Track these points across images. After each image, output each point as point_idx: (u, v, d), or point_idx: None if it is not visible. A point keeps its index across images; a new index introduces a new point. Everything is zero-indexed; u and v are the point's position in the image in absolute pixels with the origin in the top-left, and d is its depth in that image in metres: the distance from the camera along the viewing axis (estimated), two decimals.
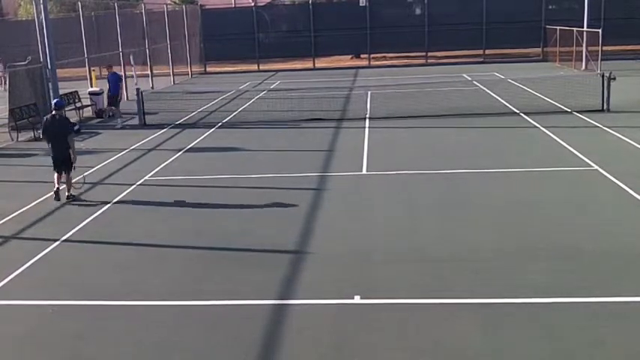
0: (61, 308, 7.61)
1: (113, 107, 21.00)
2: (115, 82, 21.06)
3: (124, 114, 21.58)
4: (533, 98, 21.26)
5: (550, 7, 36.79)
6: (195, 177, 13.41)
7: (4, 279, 8.45)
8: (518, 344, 6.31)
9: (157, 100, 23.50)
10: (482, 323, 6.74)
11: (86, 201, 12.01)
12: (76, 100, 22.22)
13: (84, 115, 22.12)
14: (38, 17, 19.97)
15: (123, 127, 19.88)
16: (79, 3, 25.50)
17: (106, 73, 21.92)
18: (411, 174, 12.77)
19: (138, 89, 20.60)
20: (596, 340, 6.34)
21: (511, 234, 9.29)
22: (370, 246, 9.09)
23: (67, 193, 12.08)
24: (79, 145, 17.44)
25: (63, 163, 11.99)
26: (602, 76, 18.85)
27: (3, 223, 10.87)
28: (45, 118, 12.60)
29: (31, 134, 18.74)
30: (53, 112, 12.16)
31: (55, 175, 12.05)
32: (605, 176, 11.91)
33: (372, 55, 37.64)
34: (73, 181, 12.27)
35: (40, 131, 13.16)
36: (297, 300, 7.48)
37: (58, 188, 11.95)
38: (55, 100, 13.12)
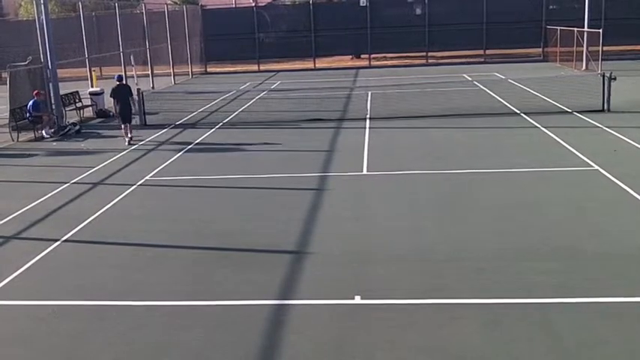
0: (60, 308, 7.61)
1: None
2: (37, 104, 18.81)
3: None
4: (534, 98, 21.26)
5: (551, 7, 36.76)
6: (195, 177, 13.41)
7: (4, 279, 8.45)
8: (519, 344, 6.31)
9: (157, 100, 23.50)
10: (483, 323, 6.74)
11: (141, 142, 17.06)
12: (77, 101, 22.22)
13: (84, 115, 22.12)
14: (39, 17, 19.97)
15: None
16: (80, 3, 25.49)
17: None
18: (411, 174, 12.77)
19: (138, 89, 20.60)
20: (596, 340, 6.34)
21: (511, 234, 9.29)
22: (370, 246, 9.10)
23: (129, 136, 17.32)
24: (79, 145, 17.53)
25: (127, 116, 17.38)
26: (603, 76, 18.84)
27: (4, 223, 10.87)
28: (112, 88, 17.79)
29: (31, 134, 18.76)
30: (117, 83, 17.74)
31: (123, 126, 17.47)
32: (606, 176, 11.90)
33: (372, 56, 37.63)
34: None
35: (110, 94, 17.92)
36: (297, 300, 7.48)
37: (128, 136, 17.35)
38: (116, 75, 18.43)
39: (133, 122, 18.03)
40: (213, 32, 37.86)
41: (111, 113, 17.87)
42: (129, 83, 24.55)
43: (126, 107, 17.42)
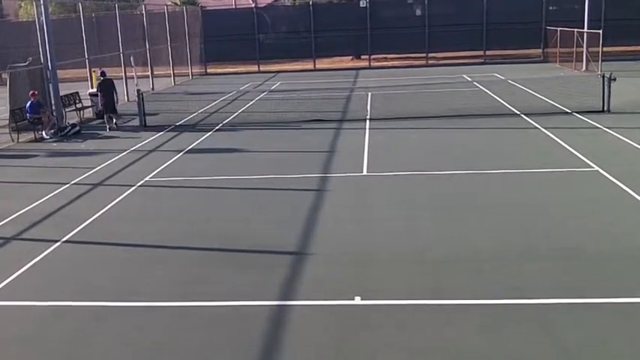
0: (60, 309, 7.61)
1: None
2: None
3: (124, 115, 21.57)
4: (534, 99, 21.26)
5: (550, 7, 36.78)
6: (195, 178, 13.41)
7: (4, 280, 8.45)
8: (518, 345, 6.31)
9: (157, 101, 23.50)
10: (482, 324, 6.74)
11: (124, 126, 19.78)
12: (77, 101, 22.21)
13: (84, 116, 22.11)
14: (39, 18, 19.98)
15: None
16: (80, 4, 25.50)
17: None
18: (411, 175, 12.77)
19: (138, 90, 20.59)
20: (596, 341, 6.34)
21: (511, 235, 9.29)
22: (370, 247, 9.09)
23: (112, 123, 19.65)
24: (79, 146, 17.53)
25: (109, 107, 19.76)
26: (603, 77, 18.84)
27: (4, 224, 10.87)
28: (98, 82, 20.27)
29: (31, 135, 18.76)
30: (102, 78, 19.99)
31: (106, 116, 19.75)
32: (606, 177, 11.91)
33: (372, 56, 37.62)
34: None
35: (96, 88, 20.48)
36: (297, 301, 7.48)
37: (110, 125, 19.58)
38: (100, 71, 20.67)
39: (133, 122, 18.05)
40: (213, 33, 37.83)
41: (99, 107, 20.81)
42: (129, 84, 24.76)
43: (110, 100, 19.81)
